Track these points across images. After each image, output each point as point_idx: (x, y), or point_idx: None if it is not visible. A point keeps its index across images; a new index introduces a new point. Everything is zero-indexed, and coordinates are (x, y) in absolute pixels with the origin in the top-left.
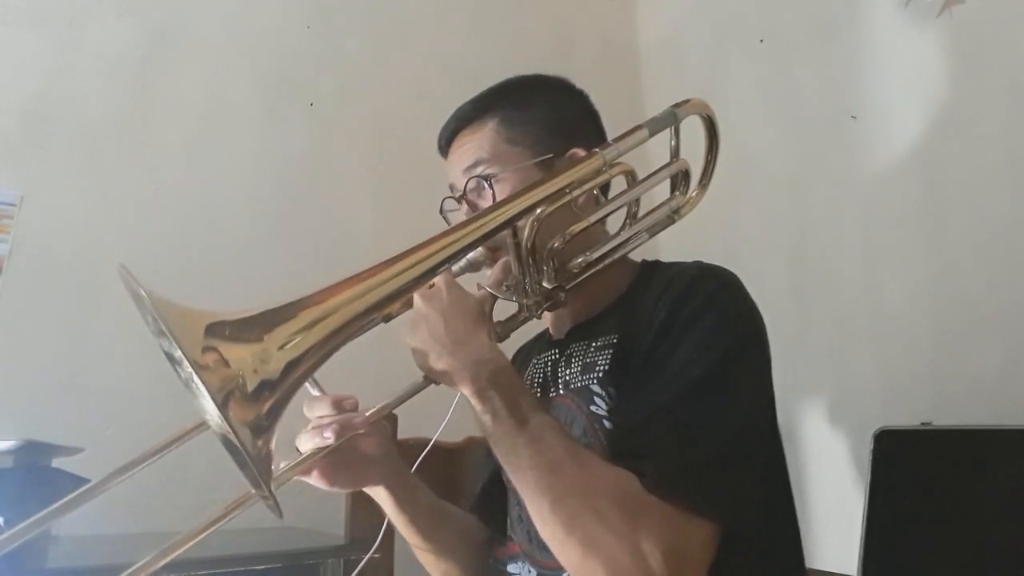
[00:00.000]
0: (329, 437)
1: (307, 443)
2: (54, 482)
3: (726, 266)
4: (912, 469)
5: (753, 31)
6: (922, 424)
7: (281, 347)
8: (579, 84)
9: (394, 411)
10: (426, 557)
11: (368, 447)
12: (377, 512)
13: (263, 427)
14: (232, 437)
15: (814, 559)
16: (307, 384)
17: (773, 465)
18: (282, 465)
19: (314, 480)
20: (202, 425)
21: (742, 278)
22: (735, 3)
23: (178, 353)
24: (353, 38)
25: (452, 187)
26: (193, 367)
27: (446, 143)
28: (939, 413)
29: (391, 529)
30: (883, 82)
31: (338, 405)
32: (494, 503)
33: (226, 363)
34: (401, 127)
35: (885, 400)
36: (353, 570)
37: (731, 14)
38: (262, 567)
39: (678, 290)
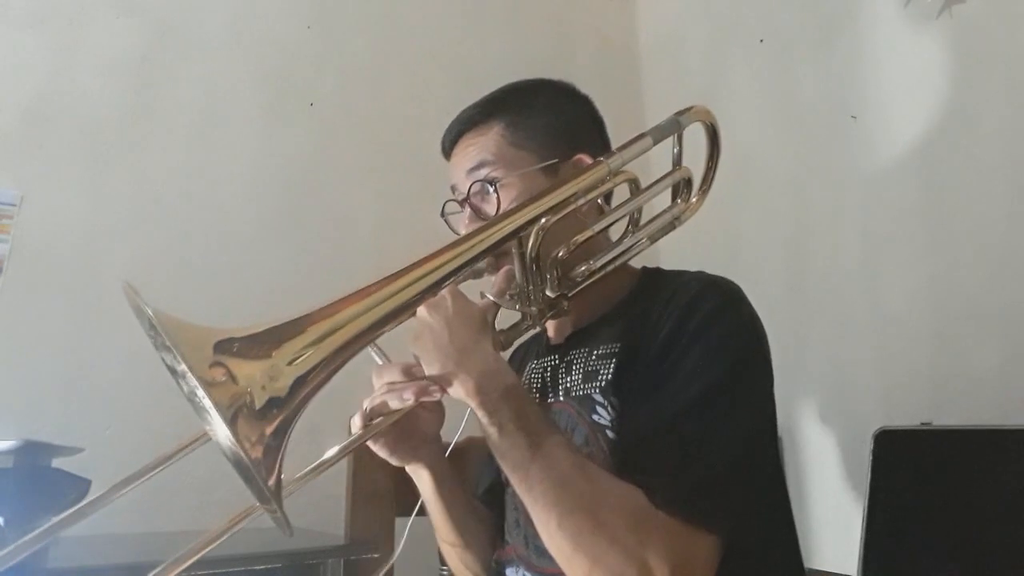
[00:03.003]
0: (409, 398)
1: (386, 403)
2: (54, 482)
3: (726, 266)
4: (912, 469)
5: (753, 31)
6: (922, 424)
7: (290, 363)
8: (579, 84)
9: None
10: (451, 551)
11: (426, 425)
12: (378, 513)
13: (272, 446)
14: (241, 456)
15: (814, 559)
16: (371, 352)
17: (773, 476)
18: (358, 426)
19: (379, 447)
20: (203, 437)
21: (742, 279)
22: (735, 3)
23: (182, 367)
24: (353, 38)
25: (454, 188)
26: (202, 385)
27: (450, 145)
28: (939, 413)
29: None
30: (883, 82)
31: (408, 372)
32: (493, 508)
33: (234, 380)
34: (401, 127)
35: (885, 400)
36: (353, 570)
37: (731, 14)
38: (262, 567)
39: (683, 303)
